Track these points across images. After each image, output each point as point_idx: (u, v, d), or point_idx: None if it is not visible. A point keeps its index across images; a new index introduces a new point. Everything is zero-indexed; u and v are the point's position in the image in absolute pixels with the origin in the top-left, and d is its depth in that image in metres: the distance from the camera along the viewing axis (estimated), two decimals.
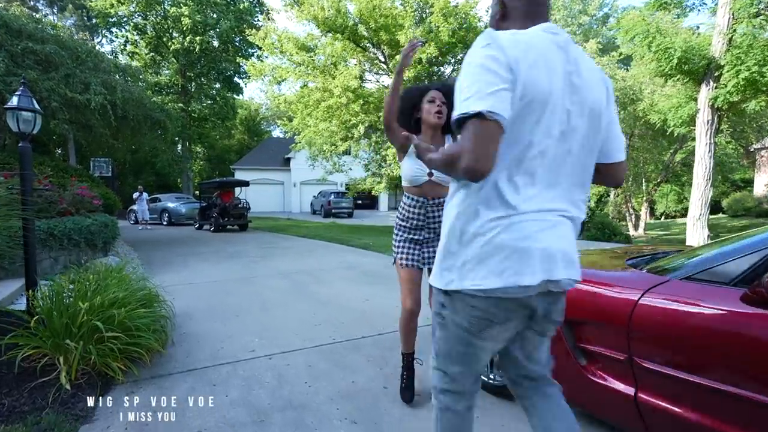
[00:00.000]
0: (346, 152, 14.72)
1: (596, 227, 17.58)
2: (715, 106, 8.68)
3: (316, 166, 15.65)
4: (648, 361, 1.50)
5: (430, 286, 1.20)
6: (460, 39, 11.93)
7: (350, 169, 15.27)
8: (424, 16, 12.21)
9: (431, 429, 1.27)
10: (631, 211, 23.65)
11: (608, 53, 22.36)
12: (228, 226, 13.42)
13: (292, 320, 3.60)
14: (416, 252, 2.08)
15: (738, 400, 1.27)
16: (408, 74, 11.35)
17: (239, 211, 13.42)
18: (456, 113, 0.98)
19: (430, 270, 1.95)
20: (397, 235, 2.12)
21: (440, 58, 11.82)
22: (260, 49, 15.70)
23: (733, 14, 8.10)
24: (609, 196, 25.02)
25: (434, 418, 1.26)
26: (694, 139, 16.96)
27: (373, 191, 14.37)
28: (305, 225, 15.58)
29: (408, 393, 2.18)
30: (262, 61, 17.44)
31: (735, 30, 8.04)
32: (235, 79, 26.33)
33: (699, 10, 9.97)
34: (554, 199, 1.05)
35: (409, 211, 2.05)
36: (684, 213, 33.01)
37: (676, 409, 1.43)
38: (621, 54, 21.72)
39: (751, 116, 12.68)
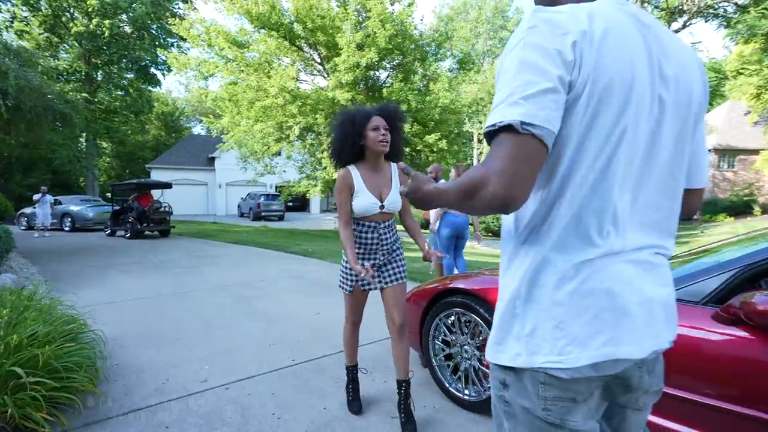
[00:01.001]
0: (278, 153, 14.19)
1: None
2: None
3: (246, 167, 14.89)
4: None
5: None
6: (397, 46, 12.12)
7: (284, 171, 14.75)
8: (362, 21, 12.19)
9: None
10: None
11: None
12: (146, 233, 12.20)
13: (243, 341, 3.34)
14: (378, 273, 2.14)
15: (712, 411, 1.39)
16: (346, 77, 11.26)
17: (160, 216, 12.26)
18: (486, 123, 0.75)
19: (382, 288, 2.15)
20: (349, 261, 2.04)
21: (378, 63, 11.88)
22: (183, 40, 14.57)
23: None
24: None
25: None
26: None
27: (308, 194, 14.00)
28: (235, 229, 14.72)
29: (356, 404, 2.25)
30: (184, 53, 16.18)
31: None
32: (152, 70, 24.11)
33: None
34: (645, 229, 0.81)
35: (362, 237, 2.07)
36: None
37: (654, 420, 1.54)
38: None
39: None
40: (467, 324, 2.29)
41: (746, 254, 1.51)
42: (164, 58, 20.20)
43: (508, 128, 0.69)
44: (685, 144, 0.83)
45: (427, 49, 13.32)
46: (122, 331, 3.48)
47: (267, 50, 11.48)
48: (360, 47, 11.25)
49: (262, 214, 20.81)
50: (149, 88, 25.46)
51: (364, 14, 12.35)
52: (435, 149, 12.28)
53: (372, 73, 12.73)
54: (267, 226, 16.75)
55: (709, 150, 25.74)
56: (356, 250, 2.07)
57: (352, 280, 2.13)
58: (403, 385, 2.07)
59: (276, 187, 26.42)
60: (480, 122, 23.51)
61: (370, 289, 2.15)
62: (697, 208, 0.97)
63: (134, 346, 3.17)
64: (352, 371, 2.32)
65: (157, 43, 23.17)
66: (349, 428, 2.10)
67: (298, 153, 14.89)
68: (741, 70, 10.14)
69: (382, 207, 2.02)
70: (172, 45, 23.37)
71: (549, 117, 0.69)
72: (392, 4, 12.62)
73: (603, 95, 0.71)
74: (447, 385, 2.37)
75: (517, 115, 0.69)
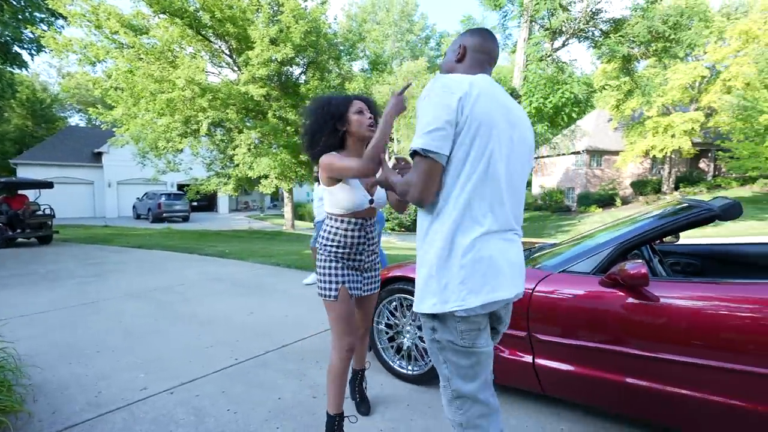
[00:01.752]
0: (181, 150, 13.21)
1: (413, 221, 20.09)
2: None
3: (145, 164, 13.57)
4: (541, 334, 2.02)
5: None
6: (312, 43, 12.08)
7: (191, 168, 13.77)
8: (274, 15, 11.89)
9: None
10: None
11: (432, 71, 25.76)
12: (20, 240, 10.48)
13: (177, 347, 3.23)
14: (359, 279, 1.91)
15: (601, 352, 1.85)
16: (260, 72, 10.92)
17: (39, 220, 10.62)
18: (411, 146, 1.18)
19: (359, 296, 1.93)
20: (336, 267, 1.84)
21: (293, 59, 11.72)
22: (60, 17, 12.72)
23: (527, 57, 10.53)
24: None
25: None
26: None
27: (222, 192, 13.27)
28: (135, 233, 13.34)
29: None
30: (59, 31, 14.11)
31: (528, 68, 10.48)
32: (16, 49, 20.43)
33: (502, 49, 12.52)
34: (504, 218, 1.24)
35: (347, 236, 1.82)
36: None
37: (561, 366, 1.97)
38: None
39: (539, 134, 16.38)
40: (408, 307, 2.58)
41: (618, 236, 2.01)
42: (32, 35, 17.31)
43: (417, 153, 1.16)
44: (526, 165, 1.32)
45: (341, 48, 13.48)
46: (29, 349, 3.11)
47: (170, 38, 10.59)
48: (274, 42, 10.99)
49: (164, 215, 19.11)
50: (11, 69, 21.54)
51: (276, 8, 12.07)
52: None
53: (287, 69, 12.50)
54: (171, 228, 15.46)
55: (582, 151, 30.11)
56: (340, 250, 1.84)
57: (336, 282, 1.82)
58: (360, 373, 2.23)
59: (178, 186, 24.38)
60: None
61: (359, 295, 1.91)
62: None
63: (49, 364, 2.88)
64: (339, 422, 1.88)
65: (21, 17, 19.71)
66: (308, 413, 2.24)
67: (206, 149, 14.03)
68: (604, 86, 12.25)
69: (371, 201, 1.83)
70: (42, 21, 20.09)
71: (440, 145, 1.14)
72: (305, 0, 12.53)
73: (476, 131, 1.15)
74: (392, 364, 2.63)
75: (421, 144, 1.14)
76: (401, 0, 38.66)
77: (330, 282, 1.83)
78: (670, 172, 28.21)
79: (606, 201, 28.66)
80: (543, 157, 31.92)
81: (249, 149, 11.99)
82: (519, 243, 1.31)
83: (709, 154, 30.05)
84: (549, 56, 10.71)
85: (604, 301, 1.87)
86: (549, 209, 31.25)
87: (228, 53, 12.77)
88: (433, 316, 1.24)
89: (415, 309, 1.28)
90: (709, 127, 26.04)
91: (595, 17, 10.81)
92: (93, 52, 11.21)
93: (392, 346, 2.68)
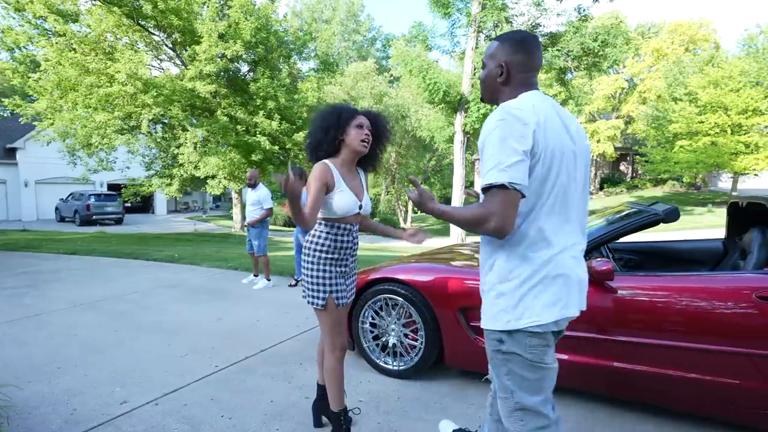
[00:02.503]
0: (115, 148, 12.29)
1: (380, 223, 20.42)
2: (465, 131, 11.68)
3: (75, 162, 12.45)
4: None
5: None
6: (262, 40, 11.79)
7: (128, 167, 12.85)
8: (222, 9, 11.45)
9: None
10: (402, 207, 28.42)
11: (380, 73, 26.11)
12: None
13: (148, 358, 3.11)
14: (346, 286, 1.97)
15: (572, 339, 2.13)
16: (208, 68, 10.48)
17: None
18: (483, 182, 1.17)
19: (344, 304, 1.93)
20: (324, 271, 1.87)
21: (243, 56, 11.37)
22: None
23: (474, 65, 11.11)
24: (381, 194, 29.37)
25: None
26: (449, 151, 21.68)
27: (165, 194, 12.53)
28: (63, 237, 12.18)
29: None
30: None
31: (476, 76, 11.04)
32: None
33: (450, 56, 13.08)
34: (573, 233, 1.27)
35: (337, 241, 1.87)
36: None
37: None
38: (392, 75, 25.74)
39: None
40: (393, 307, 2.72)
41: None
42: None
43: (501, 186, 1.12)
44: (587, 175, 1.34)
45: (292, 47, 13.29)
46: None
47: (106, 27, 9.82)
48: (222, 37, 10.60)
49: (94, 217, 17.57)
50: None
51: (224, 1, 11.63)
52: (304, 147, 12.41)
53: (236, 66, 12.09)
54: (105, 232, 14.29)
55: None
56: (330, 256, 1.88)
57: (324, 291, 1.86)
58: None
59: (109, 186, 22.55)
60: None
61: (345, 304, 1.94)
62: None
63: (4, 383, 2.66)
64: (344, 417, 1.94)
65: None
66: (304, 413, 2.30)
67: (146, 147, 13.18)
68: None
69: (360, 207, 1.91)
70: None
71: (523, 177, 1.14)
72: None
73: (551, 157, 1.19)
74: (377, 361, 2.76)
75: (507, 177, 1.12)
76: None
77: (318, 291, 1.86)
78: (595, 174, 30.93)
79: None
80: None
81: (195, 148, 11.45)
82: (583, 259, 1.34)
83: (628, 158, 33.36)
84: None
85: None
86: None
87: (171, 46, 12.08)
88: (502, 331, 1.26)
89: (484, 326, 1.31)
90: (628, 133, 28.93)
91: (534, 30, 11.66)
92: (10, 37, 10.10)
93: (377, 345, 2.81)
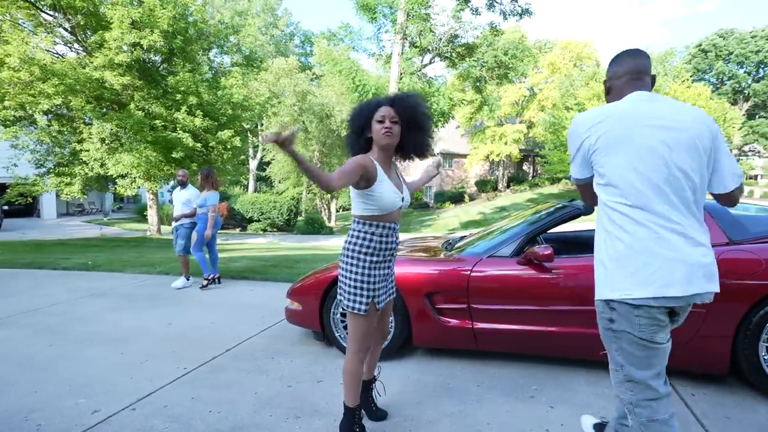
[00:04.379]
0: None
1: (307, 222, 20.30)
2: None
3: None
4: (478, 304, 2.68)
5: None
6: (180, 30, 11.07)
7: (15, 165, 11.18)
8: None
9: None
10: (325, 206, 28.39)
11: (303, 70, 25.76)
12: None
13: (103, 367, 2.97)
14: (386, 287, 1.94)
15: (521, 313, 2.59)
16: (119, 58, 9.57)
17: None
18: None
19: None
20: (369, 275, 1.81)
21: (161, 47, 10.57)
22: None
23: (401, 70, 11.68)
24: (302, 194, 29.05)
25: None
26: None
27: (62, 195, 11.14)
28: None
29: None
30: None
31: (402, 80, 11.64)
32: None
33: (377, 59, 13.51)
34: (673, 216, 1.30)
35: (382, 242, 1.82)
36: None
37: (493, 326, 2.66)
38: (314, 74, 25.54)
39: None
40: None
41: (525, 229, 2.80)
42: None
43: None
44: (689, 160, 1.30)
45: (213, 39, 12.65)
46: None
47: None
48: (135, 25, 9.76)
49: None
50: None
51: None
52: (229, 146, 11.91)
53: (152, 57, 11.19)
54: None
55: (437, 154, 33.99)
56: (374, 258, 1.82)
57: (368, 296, 1.80)
58: (372, 384, 2.21)
59: None
60: (262, 124, 23.50)
61: (383, 306, 1.90)
62: (735, 202, 1.43)
63: None
64: (358, 413, 1.95)
65: None
66: (292, 399, 2.46)
67: (37, 142, 11.59)
68: (462, 100, 14.46)
69: (403, 199, 1.88)
70: None
71: (581, 171, 1.46)
72: None
73: (607, 151, 1.34)
74: None
75: (571, 173, 1.52)
76: None
77: (361, 295, 1.79)
78: (503, 174, 33.96)
79: (457, 198, 32.92)
80: None
81: (103, 144, 10.38)
82: (691, 240, 1.29)
83: (530, 159, 37.17)
84: (419, 71, 12.12)
85: (521, 275, 2.61)
86: (411, 206, 34.33)
87: (69, 30, 10.75)
88: (612, 308, 1.35)
89: (599, 296, 1.40)
90: (530, 137, 32.27)
91: (453, 41, 12.62)
92: None
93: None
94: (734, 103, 45.69)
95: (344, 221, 32.77)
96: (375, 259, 1.83)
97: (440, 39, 11.87)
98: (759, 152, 41.03)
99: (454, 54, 12.84)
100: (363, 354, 1.90)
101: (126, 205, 32.90)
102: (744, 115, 43.37)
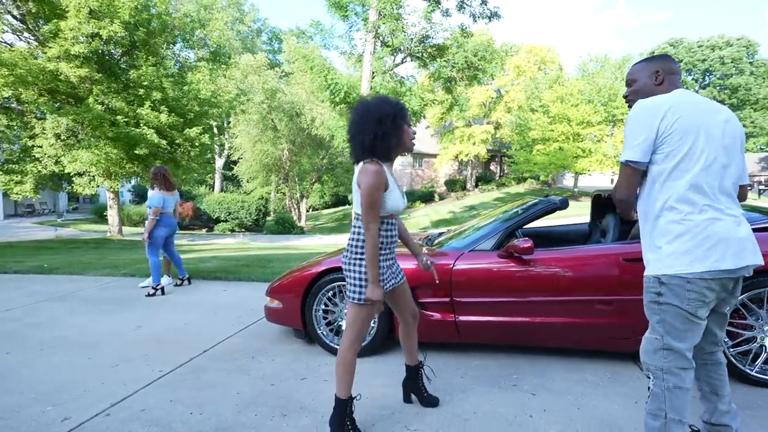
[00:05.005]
0: None
1: (277, 222, 19.97)
2: None
3: None
4: (461, 298, 2.73)
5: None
6: (143, 22, 10.59)
7: None
8: None
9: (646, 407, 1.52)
10: (295, 206, 28.00)
11: (271, 68, 25.29)
12: None
13: (71, 373, 2.81)
14: (394, 273, 2.06)
15: (503, 305, 2.67)
16: (77, 49, 9.05)
17: None
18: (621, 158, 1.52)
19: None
20: (378, 267, 1.89)
21: (123, 39, 10.06)
22: None
23: (373, 69, 11.68)
24: (271, 194, 28.55)
25: (657, 400, 1.46)
26: (345, 150, 21.91)
27: (11, 194, 10.42)
28: None
29: None
30: None
31: (374, 79, 11.65)
32: None
33: (348, 58, 13.45)
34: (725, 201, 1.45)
35: (387, 236, 1.95)
36: (325, 206, 42.04)
37: (475, 319, 2.72)
38: (283, 71, 25.11)
39: None
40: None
41: (505, 223, 2.88)
42: None
43: (624, 164, 1.51)
44: (740, 156, 1.52)
45: (178, 33, 12.19)
46: None
47: None
48: (94, 14, 9.25)
49: None
50: None
51: None
52: (197, 143, 11.52)
53: (112, 49, 10.64)
54: None
55: (407, 153, 34.17)
56: (381, 251, 1.92)
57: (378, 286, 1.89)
58: (419, 370, 2.26)
59: None
60: (229, 122, 22.90)
61: (391, 288, 2.01)
62: (744, 197, 1.63)
63: None
64: (351, 404, 1.97)
65: None
66: (277, 397, 2.42)
67: None
68: (433, 100, 14.63)
69: (404, 203, 1.99)
70: None
71: (646, 154, 1.46)
72: None
73: (682, 135, 1.42)
74: (332, 345, 2.98)
75: (629, 156, 1.48)
76: None
77: (367, 287, 1.86)
78: (471, 173, 34.65)
79: (427, 197, 33.29)
80: None
81: (58, 140, 9.79)
82: (737, 219, 1.46)
83: (497, 159, 38.12)
84: (391, 70, 12.16)
85: (502, 268, 2.69)
86: None
87: (19, 18, 10.05)
88: (662, 283, 1.45)
89: (652, 272, 1.49)
90: (497, 137, 33.10)
91: (424, 41, 12.76)
92: None
93: (331, 330, 3.03)
94: None
95: (314, 221, 32.45)
96: (382, 252, 1.93)
97: (412, 39, 11.99)
98: None
99: (425, 54, 12.99)
100: (358, 345, 1.96)
101: (82, 205, 31.15)
102: None
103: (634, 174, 1.51)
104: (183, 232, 19.45)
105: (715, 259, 1.38)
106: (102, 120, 9.68)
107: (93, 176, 10.70)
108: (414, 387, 2.27)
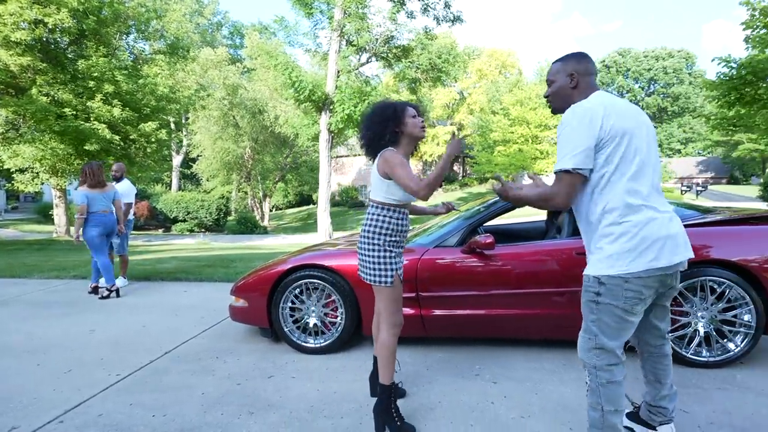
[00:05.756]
0: None
1: (239, 222, 19.45)
2: (330, 129, 12.14)
3: None
4: (426, 292, 2.81)
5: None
6: (93, 10, 10.00)
7: None
8: None
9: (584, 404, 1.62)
10: (258, 205, 27.37)
11: (233, 63, 24.56)
12: None
13: (18, 381, 2.65)
14: (401, 263, 2.14)
15: (466, 298, 2.77)
16: (18, 36, 8.42)
17: None
18: (554, 168, 1.50)
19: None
20: (391, 252, 2.01)
21: (70, 27, 9.45)
22: None
23: (338, 68, 11.64)
24: (232, 193, 27.78)
25: (595, 395, 1.54)
26: (306, 149, 21.73)
27: None
28: None
29: (409, 426, 2.00)
30: None
31: (340, 78, 11.61)
32: None
33: (313, 56, 13.33)
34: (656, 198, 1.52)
35: (399, 225, 2.03)
36: (289, 206, 41.37)
37: (440, 313, 2.82)
38: (245, 67, 24.47)
39: (346, 137, 17.85)
40: (314, 290, 2.98)
41: (467, 221, 2.99)
42: None
43: (566, 172, 1.46)
44: (656, 158, 1.58)
45: (132, 23, 11.60)
46: None
47: None
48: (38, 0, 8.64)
49: None
50: None
51: None
52: (153, 139, 11.02)
53: (59, 37, 9.97)
54: None
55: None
56: (394, 238, 2.02)
57: (392, 270, 1.99)
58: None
59: None
60: (188, 118, 22.04)
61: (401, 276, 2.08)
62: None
63: None
64: (394, 390, 2.05)
65: None
66: (244, 396, 2.39)
67: None
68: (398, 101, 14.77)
69: None
70: None
71: (587, 161, 1.45)
72: None
73: (619, 139, 1.46)
74: (299, 342, 2.98)
75: (570, 164, 1.44)
76: None
77: (386, 269, 1.98)
78: None
79: None
80: (340, 156, 34.75)
81: None
82: (669, 216, 1.53)
83: (460, 160, 39.00)
84: (356, 69, 12.18)
85: (465, 263, 2.80)
86: (346, 205, 34.34)
87: None
88: (600, 282, 1.50)
89: (591, 273, 1.53)
90: (461, 138, 33.86)
91: (389, 42, 12.86)
92: None
93: (298, 327, 3.02)
94: None
95: (278, 221, 31.86)
96: (393, 239, 2.02)
97: (377, 39, 12.05)
98: None
99: (390, 55, 13.10)
100: (398, 328, 2.03)
101: (23, 204, 28.95)
102: None
103: (577, 181, 1.49)
104: (138, 232, 18.53)
105: (652, 257, 1.45)
106: (47, 113, 9.05)
107: (37, 173, 9.99)
108: (372, 376, 2.31)
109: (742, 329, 2.53)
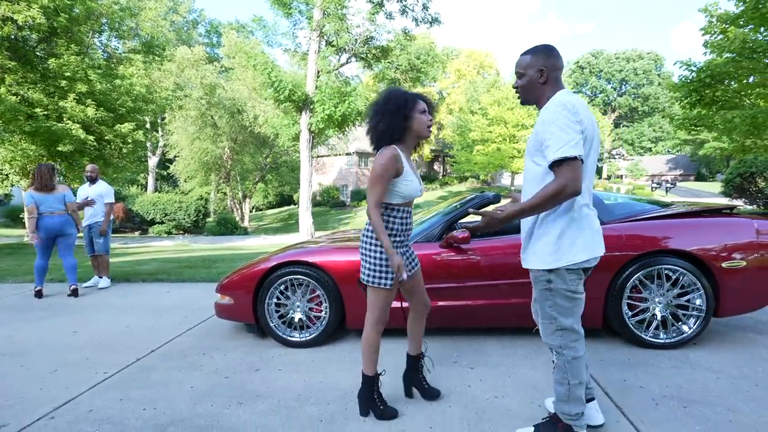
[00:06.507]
0: None
1: (219, 223, 19.21)
2: (311, 129, 12.17)
3: None
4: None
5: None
6: (65, 8, 9.74)
7: None
8: None
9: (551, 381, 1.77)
10: (237, 206, 27.05)
11: (210, 62, 24.19)
12: None
13: (4, 382, 2.66)
14: (409, 259, 2.13)
15: (445, 290, 2.93)
16: None
17: None
18: (555, 157, 1.50)
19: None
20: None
21: (41, 23, 9.21)
22: None
23: (318, 68, 11.68)
24: (210, 194, 27.39)
25: (561, 371, 1.70)
26: (289, 149, 21.57)
27: None
28: None
29: (392, 409, 2.10)
30: None
31: (320, 79, 11.65)
32: None
33: (292, 55, 13.30)
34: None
35: (402, 223, 2.00)
36: (269, 206, 40.96)
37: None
38: (222, 66, 24.14)
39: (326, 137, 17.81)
40: (299, 286, 3.08)
41: (444, 217, 3.14)
42: None
43: (572, 159, 1.50)
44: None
45: (105, 21, 11.35)
46: None
47: None
48: None
49: None
50: None
51: None
52: (129, 140, 10.82)
53: (27, 35, 9.69)
54: None
55: (352, 153, 34.39)
56: (397, 238, 1.99)
57: (392, 273, 1.93)
58: (420, 360, 2.28)
59: None
60: (164, 118, 21.59)
61: (406, 279, 1.94)
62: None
63: None
64: (377, 380, 2.11)
65: None
66: (232, 388, 2.48)
67: None
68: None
69: (420, 191, 2.04)
70: None
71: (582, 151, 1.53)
72: None
73: (586, 138, 1.58)
74: (285, 337, 3.08)
75: (576, 152, 1.50)
76: None
77: (386, 272, 1.93)
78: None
79: None
80: (321, 156, 34.66)
81: None
82: (596, 214, 1.72)
83: (440, 159, 39.44)
84: (336, 70, 12.25)
85: (443, 257, 2.95)
86: (327, 204, 34.27)
87: None
88: (549, 271, 1.66)
89: (534, 266, 1.69)
90: (440, 138, 34.25)
91: (369, 43, 12.98)
92: None
93: (283, 322, 3.12)
94: (604, 113, 53.51)
95: (258, 221, 31.57)
96: (396, 239, 1.99)
97: (356, 40, 12.15)
98: (623, 155, 48.58)
99: (369, 55, 13.22)
100: (382, 326, 2.04)
101: None
102: (612, 123, 51.04)
103: (579, 167, 1.54)
104: (114, 235, 18.07)
105: (591, 248, 1.65)
106: (17, 112, 8.79)
107: (6, 175, 9.69)
108: (415, 379, 2.28)
109: (694, 312, 2.77)
